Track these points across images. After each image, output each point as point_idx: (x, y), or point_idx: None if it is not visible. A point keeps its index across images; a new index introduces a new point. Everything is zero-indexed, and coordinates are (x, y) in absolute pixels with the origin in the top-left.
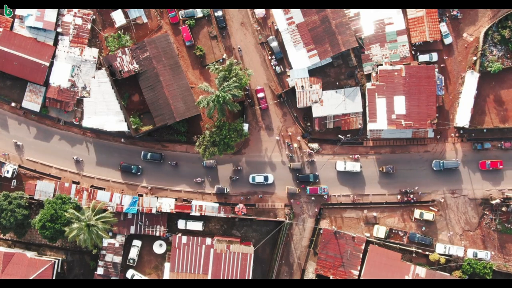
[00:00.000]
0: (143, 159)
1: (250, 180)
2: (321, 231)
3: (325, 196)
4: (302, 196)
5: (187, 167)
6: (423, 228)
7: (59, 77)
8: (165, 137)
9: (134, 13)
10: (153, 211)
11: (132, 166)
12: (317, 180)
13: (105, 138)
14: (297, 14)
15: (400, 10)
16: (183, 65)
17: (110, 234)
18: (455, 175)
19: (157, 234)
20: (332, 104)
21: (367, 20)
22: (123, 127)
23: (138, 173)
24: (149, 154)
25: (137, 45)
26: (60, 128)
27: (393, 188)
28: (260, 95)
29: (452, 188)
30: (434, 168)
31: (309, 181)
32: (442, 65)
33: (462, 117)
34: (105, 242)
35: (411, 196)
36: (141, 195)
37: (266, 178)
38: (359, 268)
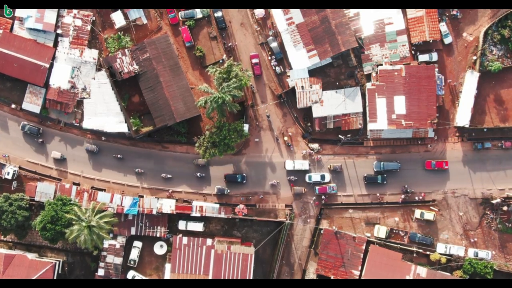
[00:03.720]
0: (21, 130)
1: (307, 179)
2: (322, 231)
3: (324, 197)
4: (307, 195)
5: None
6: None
7: (59, 79)
8: (166, 138)
9: (134, 14)
10: (154, 212)
11: (237, 176)
12: (385, 182)
13: (104, 140)
14: (296, 14)
15: (400, 10)
16: (183, 66)
17: (111, 235)
18: (455, 175)
19: (158, 235)
20: (332, 104)
21: (367, 20)
22: (123, 128)
23: (244, 181)
24: (27, 126)
25: (137, 46)
26: (60, 129)
27: (394, 188)
28: (254, 60)
29: (452, 188)
30: (375, 169)
31: (377, 183)
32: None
33: (462, 116)
34: (106, 243)
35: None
36: (142, 196)
37: (323, 177)
38: (360, 268)
